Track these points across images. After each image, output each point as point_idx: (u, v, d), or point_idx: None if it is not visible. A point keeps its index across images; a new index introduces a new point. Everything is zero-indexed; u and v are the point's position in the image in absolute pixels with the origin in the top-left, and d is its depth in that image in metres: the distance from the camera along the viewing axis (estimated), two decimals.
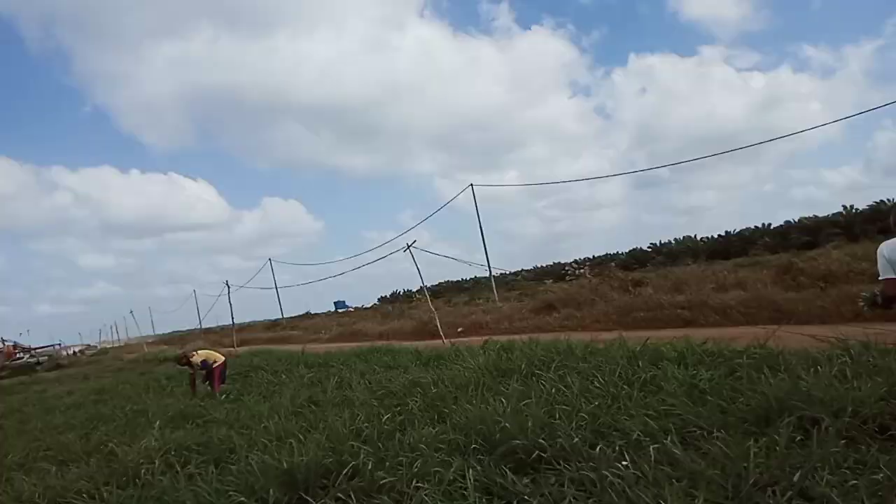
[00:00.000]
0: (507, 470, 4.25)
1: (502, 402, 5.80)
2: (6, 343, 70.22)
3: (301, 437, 5.68)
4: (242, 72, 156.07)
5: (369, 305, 77.45)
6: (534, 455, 4.45)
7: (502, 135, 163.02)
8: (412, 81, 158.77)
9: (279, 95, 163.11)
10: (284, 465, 4.73)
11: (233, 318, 30.32)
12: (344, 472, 4.61)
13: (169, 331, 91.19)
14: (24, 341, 73.34)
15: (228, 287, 29.84)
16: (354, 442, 5.34)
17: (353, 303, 79.92)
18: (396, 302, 67.54)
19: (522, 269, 75.79)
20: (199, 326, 70.34)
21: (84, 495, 5.31)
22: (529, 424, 4.86)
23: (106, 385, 16.34)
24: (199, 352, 11.91)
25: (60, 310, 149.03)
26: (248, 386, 11.65)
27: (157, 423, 8.09)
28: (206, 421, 8.27)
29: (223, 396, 10.61)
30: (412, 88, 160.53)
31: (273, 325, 53.91)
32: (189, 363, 11.59)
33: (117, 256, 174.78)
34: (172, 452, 6.22)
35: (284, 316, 56.31)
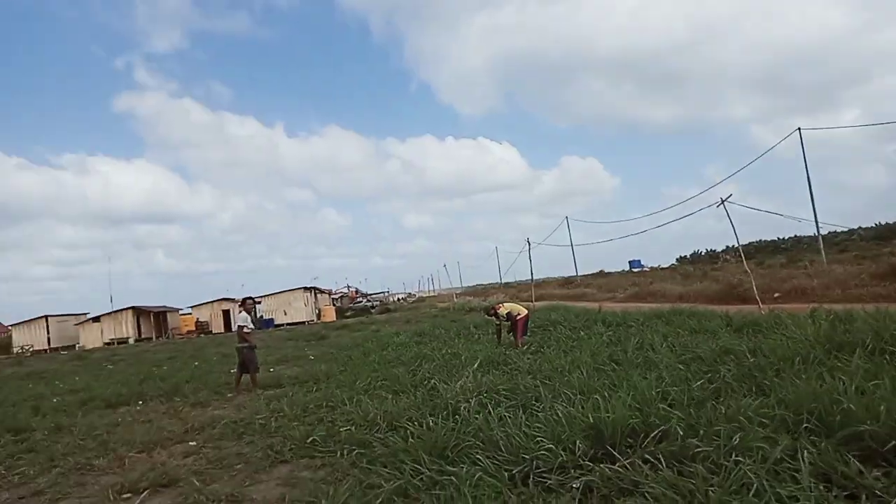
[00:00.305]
0: (850, 457, 3.63)
1: (841, 380, 4.96)
2: (350, 288, 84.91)
3: (605, 394, 5.63)
4: (546, 33, 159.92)
5: (666, 266, 74.15)
6: (889, 445, 3.72)
7: (840, 68, 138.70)
8: (727, 17, 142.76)
9: (580, 52, 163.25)
10: (590, 419, 4.74)
11: (532, 274, 31.55)
12: (652, 434, 4.45)
13: (472, 284, 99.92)
14: (363, 288, 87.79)
15: (529, 244, 31.09)
16: (661, 405, 5.12)
17: (648, 262, 77.49)
18: (697, 262, 63.27)
19: (859, 227, 64.42)
20: (499, 281, 75.39)
21: (414, 422, 6.07)
22: (882, 409, 4.05)
23: (425, 328, 18.56)
24: (504, 304, 12.71)
25: (388, 262, 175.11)
26: (547, 339, 12.05)
27: (475, 366, 8.83)
28: (512, 369, 8.79)
29: (525, 347, 11.15)
30: (727, 25, 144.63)
31: (567, 282, 55.11)
32: (496, 314, 12.45)
33: (433, 216, 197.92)
34: (484, 394, 6.75)
35: (578, 273, 56.99)
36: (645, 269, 72.52)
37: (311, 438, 6.24)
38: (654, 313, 13.31)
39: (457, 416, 6.07)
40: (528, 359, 9.55)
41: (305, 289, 51.33)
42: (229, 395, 10.45)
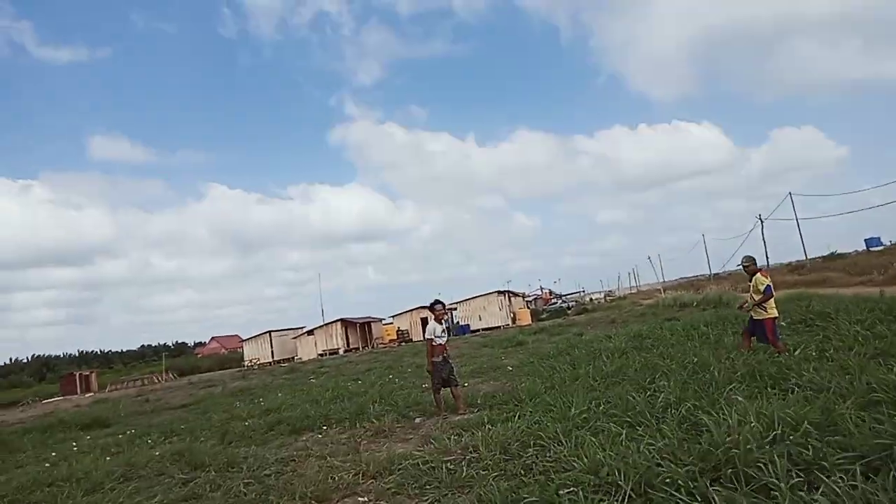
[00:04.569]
0: None
1: None
2: (543, 289, 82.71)
3: None
4: (747, 1, 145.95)
5: None
6: None
7: None
8: None
9: (787, 16, 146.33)
10: None
11: (767, 257, 26.68)
12: None
13: (675, 277, 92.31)
14: (556, 289, 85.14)
15: (762, 221, 26.40)
16: None
17: (889, 239, 65.54)
18: None
19: None
20: (708, 272, 68.33)
21: (681, 489, 3.76)
22: None
23: (640, 330, 15.69)
24: (766, 275, 9.14)
25: (581, 261, 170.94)
26: (820, 338, 8.84)
27: (734, 386, 6.19)
28: (797, 386, 6.01)
29: (796, 351, 8.12)
30: None
31: (795, 267, 47.67)
32: (754, 277, 9.02)
33: (627, 210, 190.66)
34: (788, 438, 4.18)
35: (808, 256, 49.13)
36: (885, 247, 61.18)
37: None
38: None
39: (751, 479, 3.66)
40: (814, 367, 6.65)
41: (499, 292, 50.27)
42: (416, 420, 8.85)
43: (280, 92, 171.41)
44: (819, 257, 58.73)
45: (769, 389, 6.16)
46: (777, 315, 9.02)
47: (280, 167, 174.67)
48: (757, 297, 8.86)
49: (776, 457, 3.81)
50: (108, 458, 9.30)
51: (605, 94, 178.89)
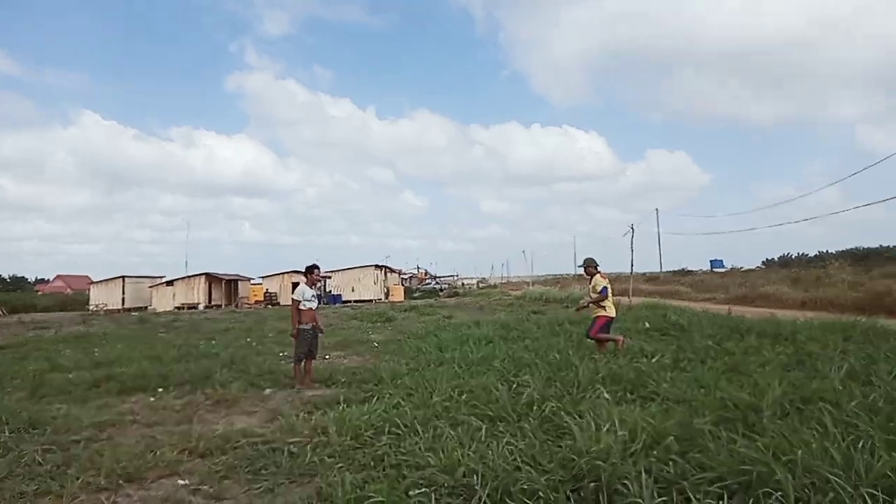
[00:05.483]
0: None
1: None
2: (420, 269, 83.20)
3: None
4: (649, 25, 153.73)
5: (751, 268, 68.85)
6: None
7: None
8: (850, 10, 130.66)
9: (684, 45, 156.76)
10: None
11: (632, 265, 27.92)
12: None
13: (543, 273, 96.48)
14: (432, 270, 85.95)
15: (633, 230, 27.56)
16: None
17: (730, 263, 72.76)
18: (788, 267, 57.89)
19: None
20: (573, 271, 71.65)
21: (535, 494, 3.49)
22: None
23: (507, 321, 15.82)
24: (606, 277, 9.44)
25: (459, 247, 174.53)
26: (680, 350, 9.15)
27: (602, 388, 6.09)
28: (655, 394, 6.03)
29: (654, 359, 8.28)
30: (847, 19, 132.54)
31: (652, 278, 51.17)
32: (591, 276, 9.36)
33: (510, 203, 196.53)
34: (649, 451, 4.02)
35: (662, 269, 53.05)
36: (727, 269, 67.75)
37: (365, 503, 3.71)
38: (822, 325, 10.12)
39: (613, 494, 3.45)
40: (670, 377, 6.75)
41: (376, 266, 49.66)
42: (267, 391, 8.16)
43: (177, 26, 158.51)
44: (671, 272, 63.60)
45: (629, 395, 6.15)
46: (613, 316, 9.30)
47: (164, 105, 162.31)
48: (594, 296, 9.08)
49: (640, 472, 3.61)
50: None
51: (507, 89, 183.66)
